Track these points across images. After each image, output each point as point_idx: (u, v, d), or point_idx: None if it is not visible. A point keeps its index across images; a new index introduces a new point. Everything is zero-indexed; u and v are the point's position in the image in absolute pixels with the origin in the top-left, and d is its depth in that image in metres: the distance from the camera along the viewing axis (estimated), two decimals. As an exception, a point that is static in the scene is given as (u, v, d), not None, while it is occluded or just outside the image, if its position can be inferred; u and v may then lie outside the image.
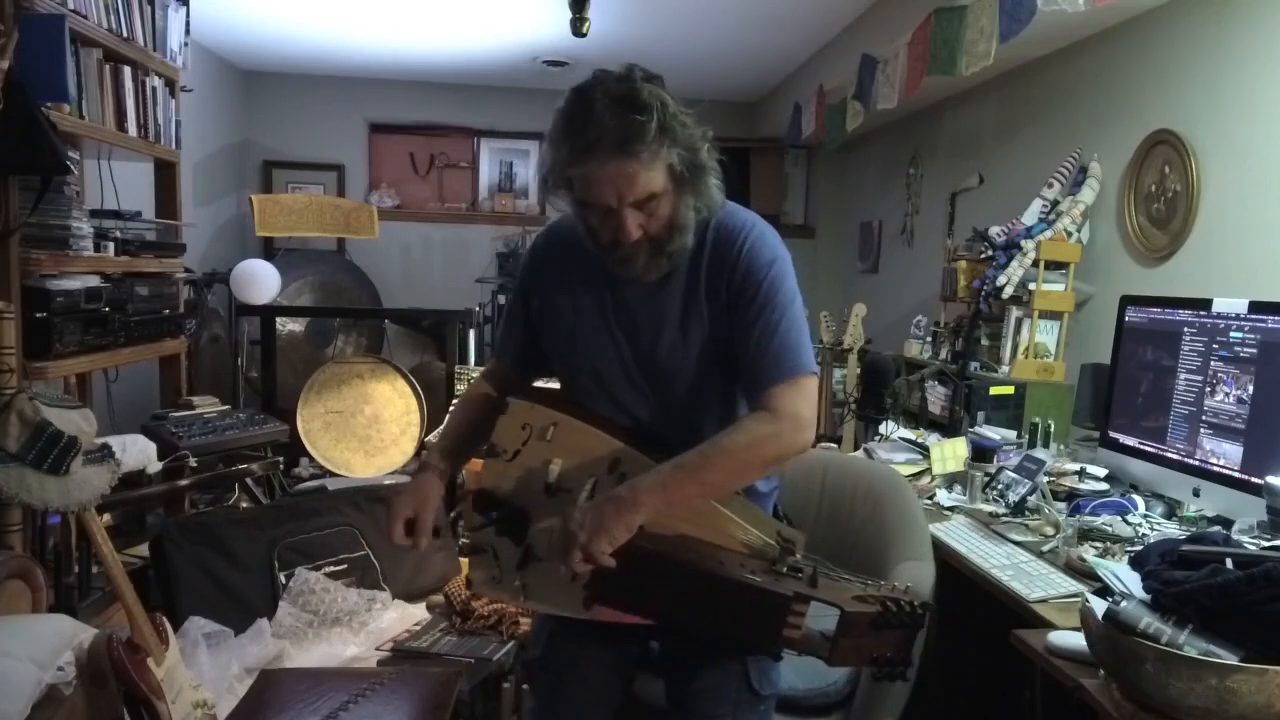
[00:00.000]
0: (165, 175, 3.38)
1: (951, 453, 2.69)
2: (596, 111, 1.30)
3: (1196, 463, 2.11)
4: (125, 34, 2.87)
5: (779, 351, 1.39)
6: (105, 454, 2.09)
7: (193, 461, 2.99)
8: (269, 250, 5.33)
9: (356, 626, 2.62)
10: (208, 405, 3.42)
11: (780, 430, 1.36)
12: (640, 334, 1.46)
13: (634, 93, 1.31)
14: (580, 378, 1.53)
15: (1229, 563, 1.33)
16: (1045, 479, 2.30)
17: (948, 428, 3.16)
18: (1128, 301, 2.42)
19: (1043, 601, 1.81)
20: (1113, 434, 2.41)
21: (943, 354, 3.58)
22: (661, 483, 1.32)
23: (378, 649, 2.52)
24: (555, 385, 1.63)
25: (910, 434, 3.14)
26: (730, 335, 1.43)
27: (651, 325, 1.46)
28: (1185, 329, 2.18)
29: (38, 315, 2.39)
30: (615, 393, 1.49)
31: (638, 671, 1.68)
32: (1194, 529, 2.04)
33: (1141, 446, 2.30)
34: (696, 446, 1.36)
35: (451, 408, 1.75)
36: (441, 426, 1.70)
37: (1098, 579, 1.59)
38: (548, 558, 1.40)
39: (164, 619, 1.94)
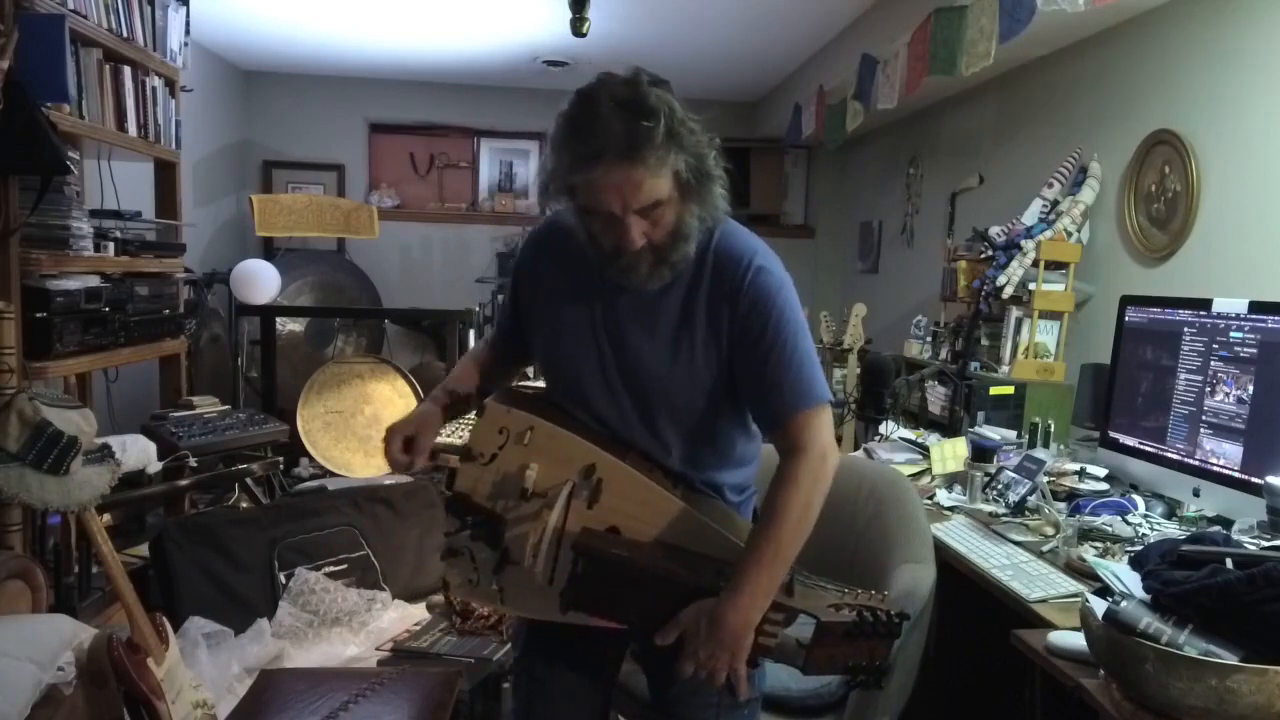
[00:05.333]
0: (165, 175, 3.38)
1: (951, 453, 2.69)
2: (602, 116, 1.26)
3: (1196, 463, 2.11)
4: (125, 34, 2.87)
5: (797, 382, 1.38)
6: (105, 454, 2.09)
7: (193, 461, 2.99)
8: (269, 250, 5.32)
9: (356, 626, 2.62)
10: (208, 405, 3.42)
11: (817, 469, 1.37)
12: (626, 342, 1.42)
13: (640, 97, 1.27)
14: (561, 380, 1.50)
15: (1229, 563, 1.34)
16: (1045, 479, 2.30)
17: (948, 428, 3.16)
18: (1128, 301, 2.42)
19: (1043, 601, 1.81)
20: (1113, 434, 2.41)
21: (943, 354, 3.58)
22: (759, 585, 1.33)
23: (378, 649, 2.52)
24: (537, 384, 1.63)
25: (910, 434, 3.14)
26: (725, 358, 1.41)
27: (640, 335, 1.42)
28: (1185, 329, 2.18)
29: (38, 315, 2.40)
30: (591, 400, 1.46)
31: (617, 673, 1.67)
32: (1194, 529, 2.04)
33: (1141, 446, 2.30)
34: (756, 527, 1.37)
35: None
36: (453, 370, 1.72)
37: (1098, 579, 1.58)
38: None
39: (164, 619, 1.94)
